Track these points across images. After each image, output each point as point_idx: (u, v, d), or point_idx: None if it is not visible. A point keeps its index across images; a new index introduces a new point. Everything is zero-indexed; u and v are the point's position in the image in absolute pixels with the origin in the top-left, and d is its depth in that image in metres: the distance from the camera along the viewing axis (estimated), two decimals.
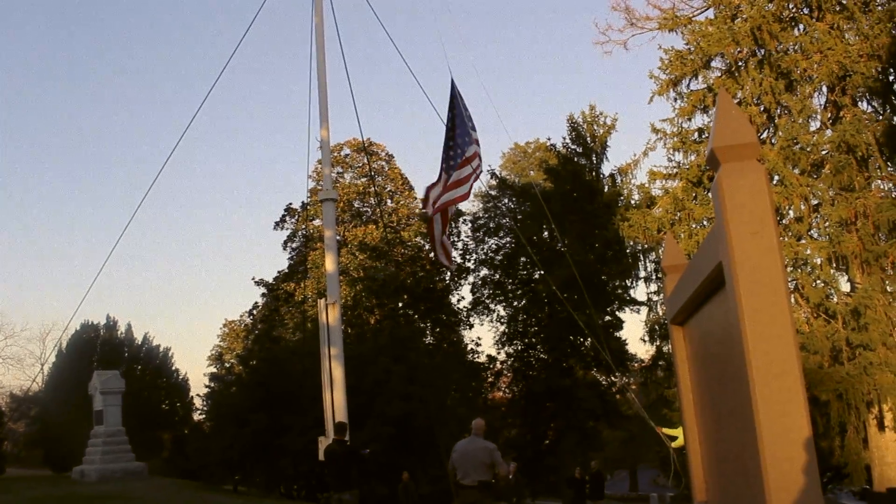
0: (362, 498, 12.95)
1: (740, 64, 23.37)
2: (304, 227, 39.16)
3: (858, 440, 20.93)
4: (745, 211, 1.75)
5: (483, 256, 42.69)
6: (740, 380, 1.85)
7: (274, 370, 24.90)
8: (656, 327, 30.49)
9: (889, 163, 21.68)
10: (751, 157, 1.78)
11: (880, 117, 21.74)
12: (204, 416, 36.95)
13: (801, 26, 22.72)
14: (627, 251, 30.34)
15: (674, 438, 15.56)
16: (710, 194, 21.40)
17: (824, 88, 22.52)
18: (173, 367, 42.62)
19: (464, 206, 49.34)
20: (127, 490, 20.70)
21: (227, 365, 42.42)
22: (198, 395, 38.57)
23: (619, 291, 38.85)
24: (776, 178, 21.59)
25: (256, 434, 23.40)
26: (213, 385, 32.21)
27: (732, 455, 2.37)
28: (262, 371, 25.49)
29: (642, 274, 30.90)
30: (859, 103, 22.19)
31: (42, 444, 39.69)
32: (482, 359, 41.15)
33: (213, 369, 43.46)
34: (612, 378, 38.89)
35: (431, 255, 41.41)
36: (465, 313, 41.57)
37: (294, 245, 40.29)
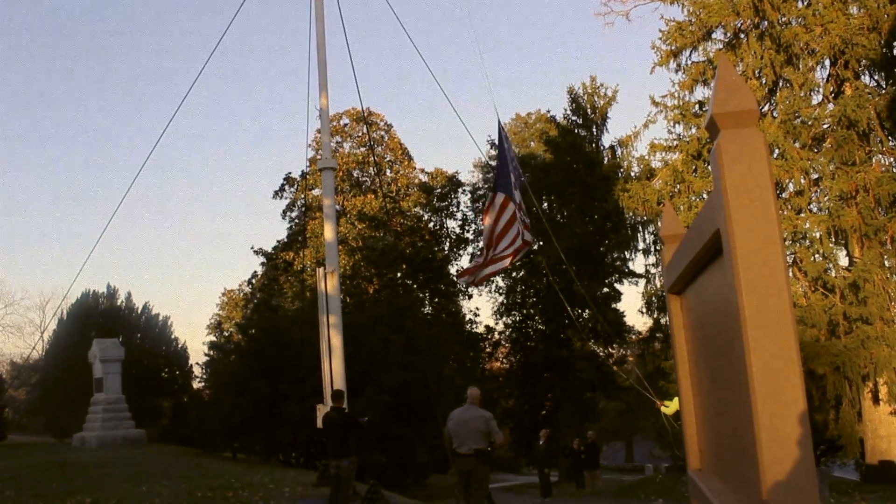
0: (360, 465, 13.06)
1: (741, 36, 23.18)
2: (303, 196, 39.10)
3: (853, 413, 21.06)
4: (744, 177, 1.74)
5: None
6: (736, 349, 1.85)
7: (273, 339, 24.95)
8: (654, 299, 30.63)
9: (890, 137, 21.59)
10: (750, 123, 1.77)
11: (882, 91, 21.60)
12: (203, 384, 37.16)
13: None
14: (627, 223, 30.39)
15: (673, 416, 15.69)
16: (709, 166, 21.39)
17: (826, 62, 22.35)
18: (173, 336, 42.75)
19: (463, 176, 49.25)
20: (127, 457, 20.87)
21: (226, 334, 42.62)
22: (197, 363, 38.79)
23: (618, 263, 38.90)
24: (776, 151, 21.50)
25: (255, 402, 23.51)
26: (212, 353, 32.35)
27: (727, 424, 2.38)
28: (261, 340, 25.54)
29: (641, 246, 31.03)
30: (861, 77, 22.04)
31: (43, 412, 39.96)
32: (480, 329, 41.36)
33: (212, 338, 43.71)
34: (610, 350, 39.07)
35: (431, 225, 41.43)
36: (463, 283, 41.63)
37: (293, 214, 40.31)
